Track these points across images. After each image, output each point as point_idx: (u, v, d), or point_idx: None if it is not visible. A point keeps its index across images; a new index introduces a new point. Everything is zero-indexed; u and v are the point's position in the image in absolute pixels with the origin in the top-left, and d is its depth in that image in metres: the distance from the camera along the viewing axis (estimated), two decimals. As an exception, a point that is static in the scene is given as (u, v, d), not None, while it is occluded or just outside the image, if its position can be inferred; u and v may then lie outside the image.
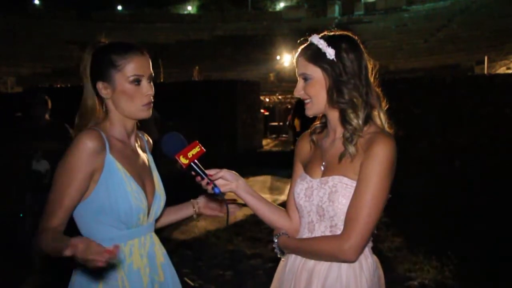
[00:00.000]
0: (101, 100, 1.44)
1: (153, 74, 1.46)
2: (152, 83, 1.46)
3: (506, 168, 6.10)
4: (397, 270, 3.99)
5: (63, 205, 1.31)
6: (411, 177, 6.57)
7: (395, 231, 5.10)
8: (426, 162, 6.87)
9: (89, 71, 1.43)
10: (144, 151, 1.56)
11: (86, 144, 1.31)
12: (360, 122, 1.35)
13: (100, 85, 1.41)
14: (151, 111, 1.45)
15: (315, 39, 1.39)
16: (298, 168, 1.55)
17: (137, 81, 1.40)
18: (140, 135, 1.59)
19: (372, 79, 1.42)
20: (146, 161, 1.54)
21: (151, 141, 1.65)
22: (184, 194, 1.81)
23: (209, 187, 1.42)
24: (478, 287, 3.73)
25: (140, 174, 1.45)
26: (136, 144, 1.53)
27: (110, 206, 1.34)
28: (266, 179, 9.18)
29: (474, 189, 6.14)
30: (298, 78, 1.43)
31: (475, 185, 6.20)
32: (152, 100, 1.45)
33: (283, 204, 1.62)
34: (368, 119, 1.38)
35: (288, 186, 1.61)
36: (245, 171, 9.86)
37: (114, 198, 1.34)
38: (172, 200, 1.70)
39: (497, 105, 6.62)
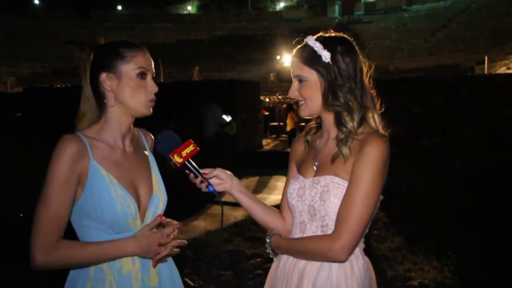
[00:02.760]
0: (99, 98, 1.42)
1: (154, 74, 1.46)
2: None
3: (506, 168, 6.10)
4: (397, 270, 3.99)
5: (59, 216, 1.30)
6: (411, 177, 6.59)
7: (395, 231, 5.10)
8: (426, 162, 6.87)
9: (88, 70, 1.41)
10: (143, 150, 1.53)
11: (66, 150, 1.30)
12: (355, 124, 1.35)
13: (104, 76, 1.38)
14: (151, 110, 1.44)
15: (311, 41, 1.38)
16: (293, 169, 1.54)
17: (143, 75, 1.40)
18: (140, 132, 1.56)
19: (367, 81, 1.41)
20: (143, 162, 1.50)
21: (152, 137, 1.60)
22: (183, 194, 1.80)
23: (203, 186, 1.42)
24: (478, 287, 3.73)
25: (132, 178, 1.42)
26: (136, 144, 1.50)
27: (96, 213, 1.33)
28: (266, 179, 9.19)
29: (474, 189, 6.14)
30: (293, 79, 1.42)
31: (475, 185, 6.20)
32: (155, 98, 1.43)
33: (284, 204, 1.62)
34: (362, 121, 1.38)
35: (288, 186, 1.60)
36: (245, 171, 9.92)
37: (99, 204, 1.32)
38: (173, 200, 1.68)
39: (497, 105, 6.62)
